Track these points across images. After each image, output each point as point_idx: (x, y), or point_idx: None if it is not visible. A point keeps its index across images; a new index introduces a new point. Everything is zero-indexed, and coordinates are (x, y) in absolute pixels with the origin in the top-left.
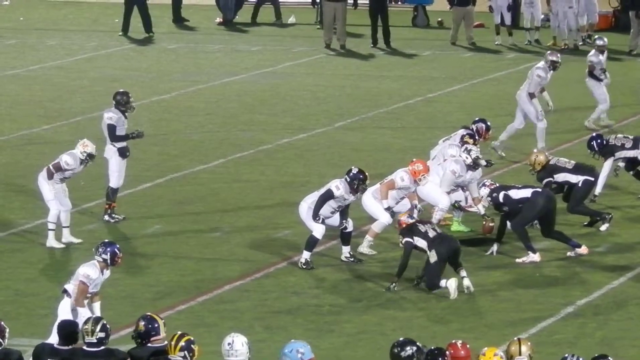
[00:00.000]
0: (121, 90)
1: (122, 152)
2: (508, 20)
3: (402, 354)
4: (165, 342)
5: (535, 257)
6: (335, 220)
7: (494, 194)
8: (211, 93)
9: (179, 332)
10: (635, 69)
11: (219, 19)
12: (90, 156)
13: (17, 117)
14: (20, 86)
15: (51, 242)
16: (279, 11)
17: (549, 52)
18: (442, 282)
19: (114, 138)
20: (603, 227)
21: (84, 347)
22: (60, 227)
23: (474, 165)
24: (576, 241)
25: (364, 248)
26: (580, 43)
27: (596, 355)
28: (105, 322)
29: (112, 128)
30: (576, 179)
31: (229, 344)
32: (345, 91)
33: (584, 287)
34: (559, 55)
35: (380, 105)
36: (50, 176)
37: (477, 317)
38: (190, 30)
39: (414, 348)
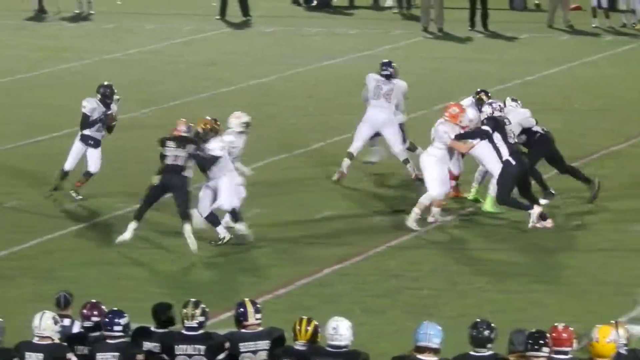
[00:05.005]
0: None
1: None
2: (605, 2)
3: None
4: (260, 329)
5: (538, 210)
6: None
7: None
8: (309, 76)
9: (305, 317)
10: None
11: (315, 2)
12: (247, 125)
13: None
14: (118, 70)
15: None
16: None
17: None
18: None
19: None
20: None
21: (183, 331)
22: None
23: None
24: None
25: (411, 222)
26: None
27: None
28: (204, 305)
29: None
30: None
31: (333, 328)
32: (443, 74)
33: None
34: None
35: (477, 88)
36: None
37: (576, 300)
38: (287, 13)
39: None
